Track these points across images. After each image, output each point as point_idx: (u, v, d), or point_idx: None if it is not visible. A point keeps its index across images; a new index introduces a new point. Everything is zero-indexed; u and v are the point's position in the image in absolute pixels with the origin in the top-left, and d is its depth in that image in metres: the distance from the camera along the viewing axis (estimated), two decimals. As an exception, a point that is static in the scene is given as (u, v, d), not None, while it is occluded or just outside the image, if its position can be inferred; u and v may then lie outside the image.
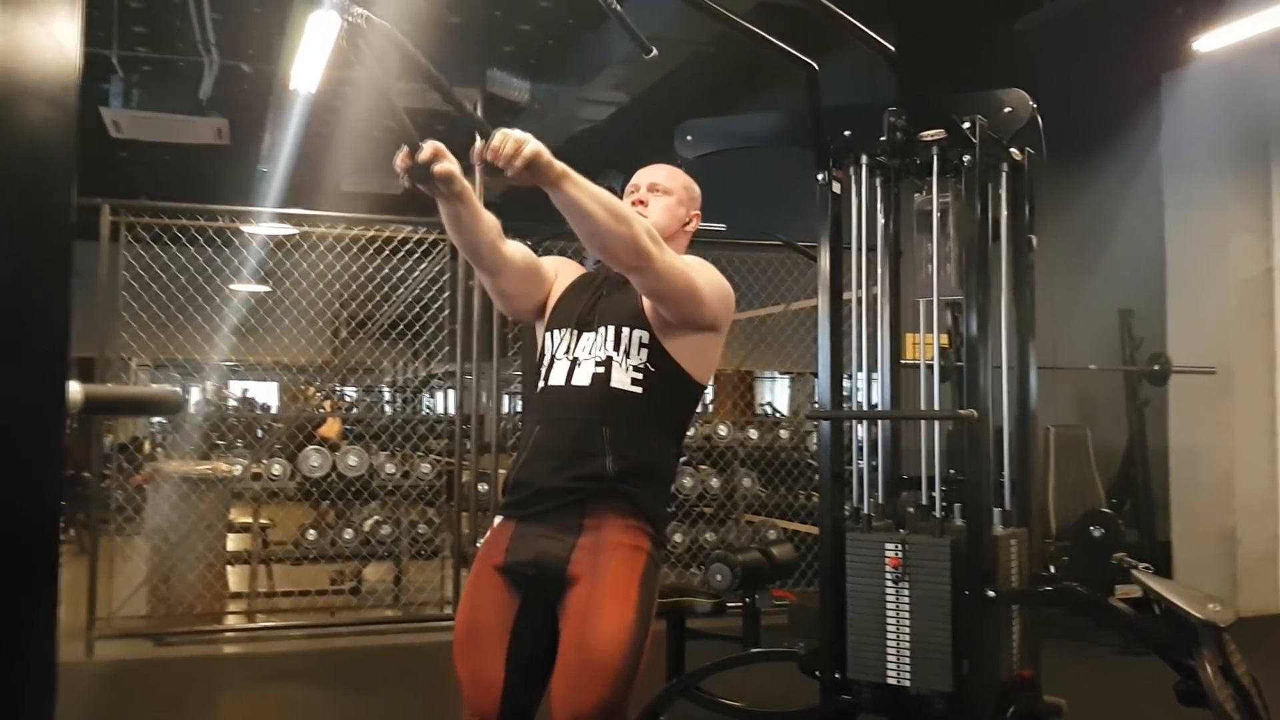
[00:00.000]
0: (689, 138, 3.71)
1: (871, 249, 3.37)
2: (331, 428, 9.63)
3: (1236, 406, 6.31)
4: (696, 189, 2.50)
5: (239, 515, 6.28)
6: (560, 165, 1.97)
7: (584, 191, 2.01)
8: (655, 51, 2.55)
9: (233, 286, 11.08)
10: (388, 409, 13.73)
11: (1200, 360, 6.04)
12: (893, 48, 2.65)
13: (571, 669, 2.05)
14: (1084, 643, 5.12)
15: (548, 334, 2.36)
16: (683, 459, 7.13)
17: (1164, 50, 6.04)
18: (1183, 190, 6.50)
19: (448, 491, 6.06)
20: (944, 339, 3.46)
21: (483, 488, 5.86)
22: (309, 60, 5.24)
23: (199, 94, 7.44)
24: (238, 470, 5.72)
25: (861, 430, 3.48)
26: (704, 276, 2.28)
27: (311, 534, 6.14)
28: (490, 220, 2.21)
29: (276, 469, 5.77)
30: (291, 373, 13.10)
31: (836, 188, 3.27)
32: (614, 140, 8.30)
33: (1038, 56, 6.11)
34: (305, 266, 6.60)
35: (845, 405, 3.59)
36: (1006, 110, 3.21)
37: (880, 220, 3.37)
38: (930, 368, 3.30)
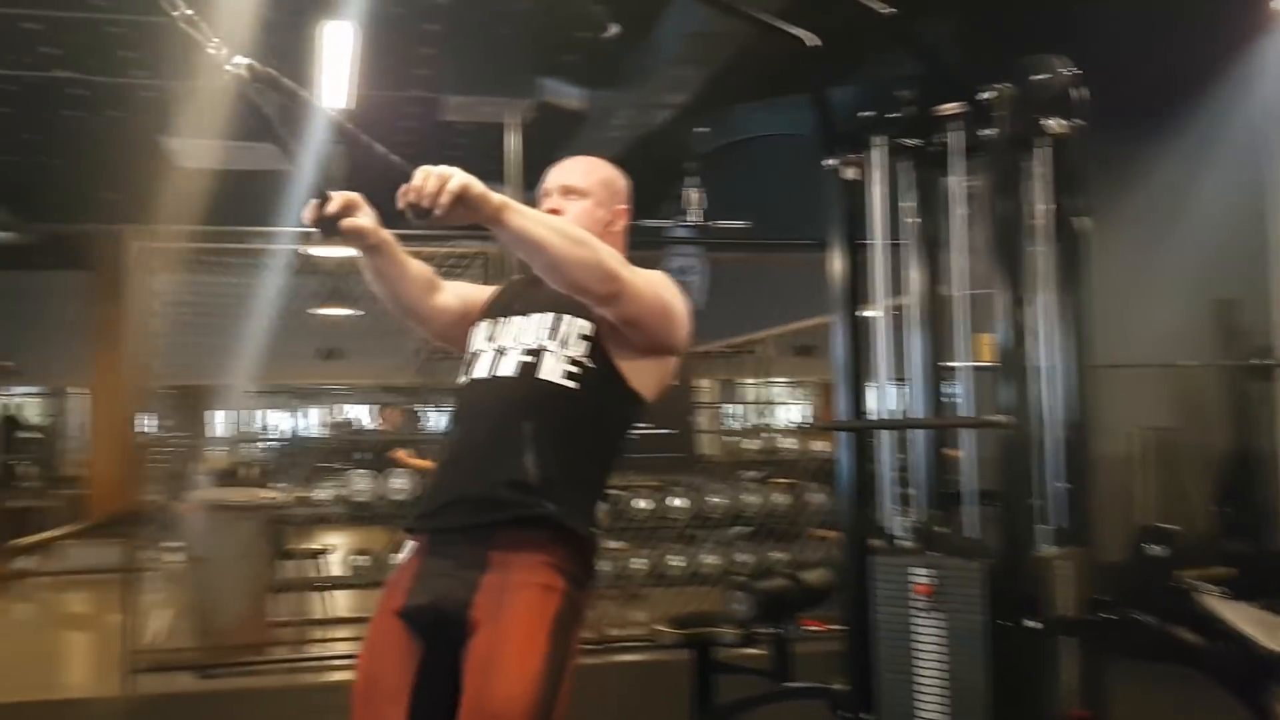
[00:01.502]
0: (699, 131, 3.44)
1: (896, 241, 3.04)
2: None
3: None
4: (620, 180, 2.21)
5: (298, 541, 6.20)
6: (498, 196, 1.76)
7: (531, 220, 1.81)
8: (617, 28, 2.33)
9: (316, 311, 11.20)
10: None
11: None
12: (892, 9, 2.34)
13: None
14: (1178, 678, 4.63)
15: (474, 328, 2.12)
16: (752, 474, 6.86)
17: (1251, 10, 5.51)
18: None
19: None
20: (986, 339, 3.11)
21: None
22: (335, 75, 5.12)
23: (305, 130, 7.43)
24: (284, 496, 5.62)
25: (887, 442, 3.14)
26: (671, 294, 2.03)
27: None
28: (417, 270, 2.11)
29: (323, 494, 5.66)
30: (385, 394, 13.18)
31: (850, 174, 2.96)
32: (683, 143, 8.05)
33: (1097, 19, 5.62)
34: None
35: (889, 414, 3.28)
36: (1039, 78, 2.84)
37: (908, 208, 3.04)
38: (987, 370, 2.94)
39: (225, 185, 8.93)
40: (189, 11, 1.67)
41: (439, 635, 1.86)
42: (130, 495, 6.66)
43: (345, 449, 8.05)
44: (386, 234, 1.98)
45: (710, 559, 6.06)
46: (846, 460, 2.97)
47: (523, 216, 1.80)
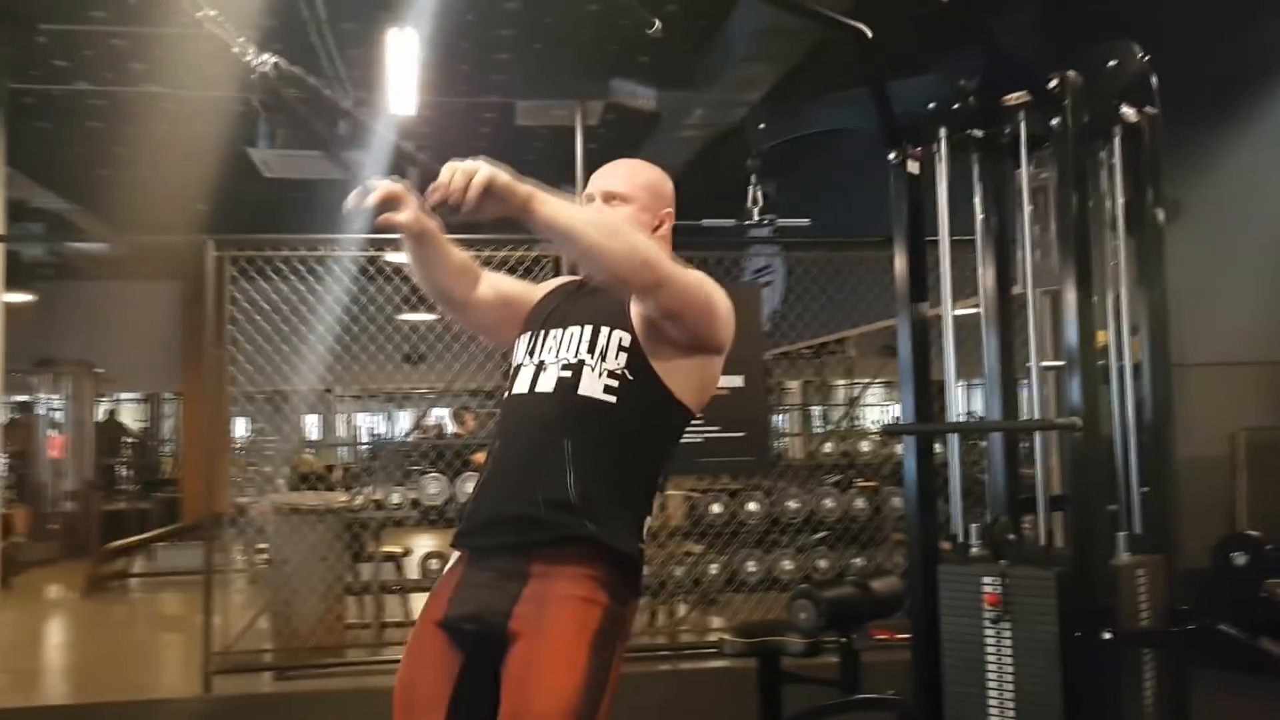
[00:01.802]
0: (761, 127, 3.37)
1: (963, 238, 2.93)
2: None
3: None
4: (664, 184, 2.15)
5: (383, 544, 6.25)
6: (526, 187, 1.75)
7: (562, 211, 1.79)
8: (658, 24, 2.32)
9: (403, 316, 11.34)
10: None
11: None
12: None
13: None
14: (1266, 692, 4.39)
15: (517, 340, 2.08)
16: (838, 480, 6.71)
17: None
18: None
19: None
20: (1102, 335, 2.98)
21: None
22: (399, 82, 5.15)
23: (338, 129, 7.55)
24: (358, 500, 5.67)
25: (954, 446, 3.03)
26: (713, 289, 1.98)
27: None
28: (459, 261, 2.11)
29: (396, 497, 5.70)
30: (462, 397, 13.31)
31: (913, 167, 2.86)
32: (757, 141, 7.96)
33: (1170, 4, 5.38)
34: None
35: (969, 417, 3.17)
36: (1110, 64, 2.72)
37: (977, 203, 2.93)
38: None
39: (309, 194, 9.11)
40: (212, 12, 1.67)
41: (479, 646, 1.83)
42: (219, 498, 6.81)
43: (429, 453, 8.11)
44: (429, 223, 1.99)
45: (787, 564, 5.96)
46: (913, 465, 2.87)
47: (552, 207, 1.77)
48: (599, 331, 1.94)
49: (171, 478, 13.09)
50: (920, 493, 2.86)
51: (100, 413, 13.31)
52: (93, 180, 9.57)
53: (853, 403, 10.44)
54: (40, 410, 11.35)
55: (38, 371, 11.22)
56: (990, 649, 2.65)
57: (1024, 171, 2.71)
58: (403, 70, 5.04)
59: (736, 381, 5.21)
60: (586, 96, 7.00)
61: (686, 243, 5.51)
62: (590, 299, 2.02)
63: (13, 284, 11.14)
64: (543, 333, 2.01)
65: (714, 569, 5.79)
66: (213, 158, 9.20)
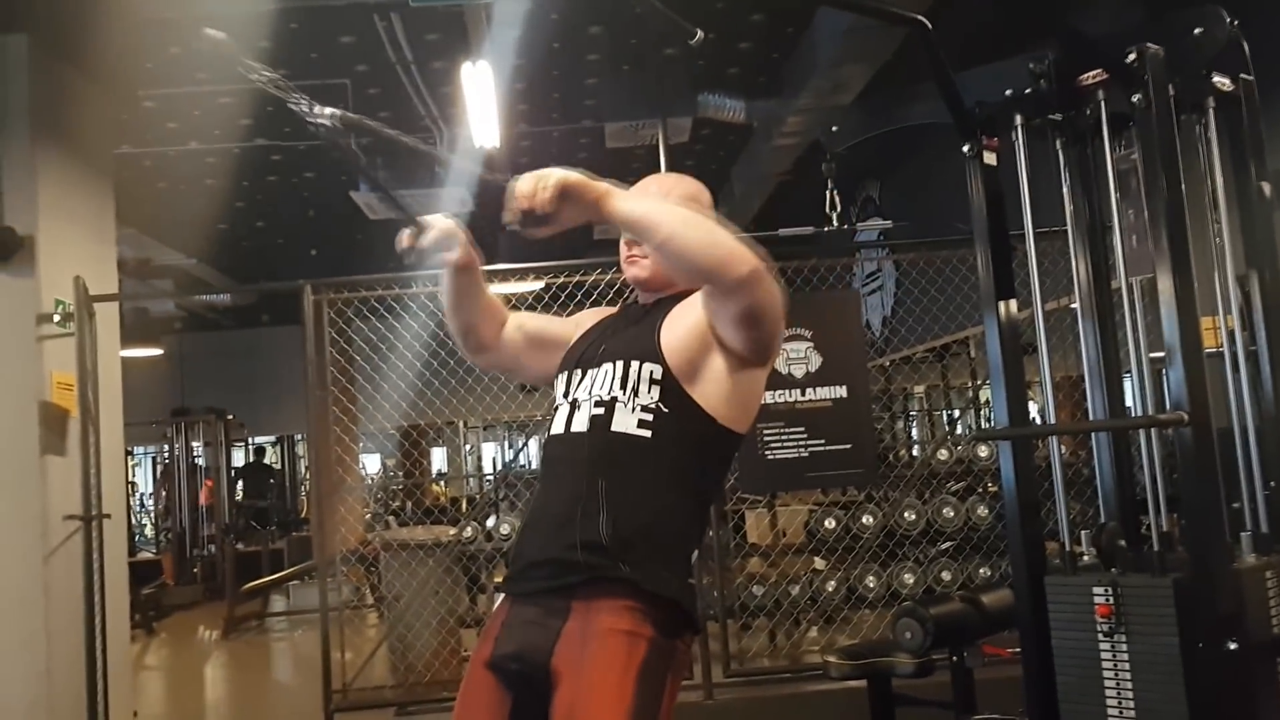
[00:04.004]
0: (834, 129, 3.27)
1: (1051, 230, 2.78)
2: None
3: None
4: (703, 195, 2.09)
5: (496, 575, 6.27)
6: (600, 184, 1.75)
7: (641, 205, 1.79)
8: (700, 35, 2.29)
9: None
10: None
11: None
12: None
13: None
14: None
15: (555, 379, 2.04)
16: (959, 488, 6.46)
17: None
18: None
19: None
20: (1209, 321, 2.79)
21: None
22: (480, 114, 5.18)
23: (434, 167, 7.70)
24: (468, 532, 5.70)
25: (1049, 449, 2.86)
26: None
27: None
28: (491, 303, 2.14)
29: (505, 528, 5.71)
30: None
31: (990, 159, 2.72)
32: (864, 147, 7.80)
33: None
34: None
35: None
36: (1196, 32, 2.53)
37: (1065, 191, 2.78)
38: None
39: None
40: (271, 74, 1.68)
41: (527, 685, 1.78)
42: (335, 537, 6.96)
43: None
44: (475, 259, 2.01)
45: (908, 578, 5.76)
46: (1011, 471, 2.71)
47: (629, 201, 1.77)
48: (629, 366, 1.88)
49: (306, 517, 13.48)
50: (1021, 500, 2.70)
51: (241, 457, 13.81)
52: (212, 234, 9.94)
53: (977, 405, 10.10)
54: (179, 458, 11.81)
55: (174, 421, 11.68)
56: (1107, 664, 2.47)
57: (1108, 153, 2.54)
58: (482, 103, 5.07)
59: (840, 391, 5.07)
60: (674, 114, 6.96)
61: (790, 253, 5.45)
62: (623, 334, 1.98)
63: (144, 339, 11.69)
64: (579, 371, 1.97)
65: (831, 585, 5.63)
66: (320, 204, 9.49)
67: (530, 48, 5.96)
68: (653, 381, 1.85)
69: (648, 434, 1.82)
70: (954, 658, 3.09)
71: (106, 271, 4.92)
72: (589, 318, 2.18)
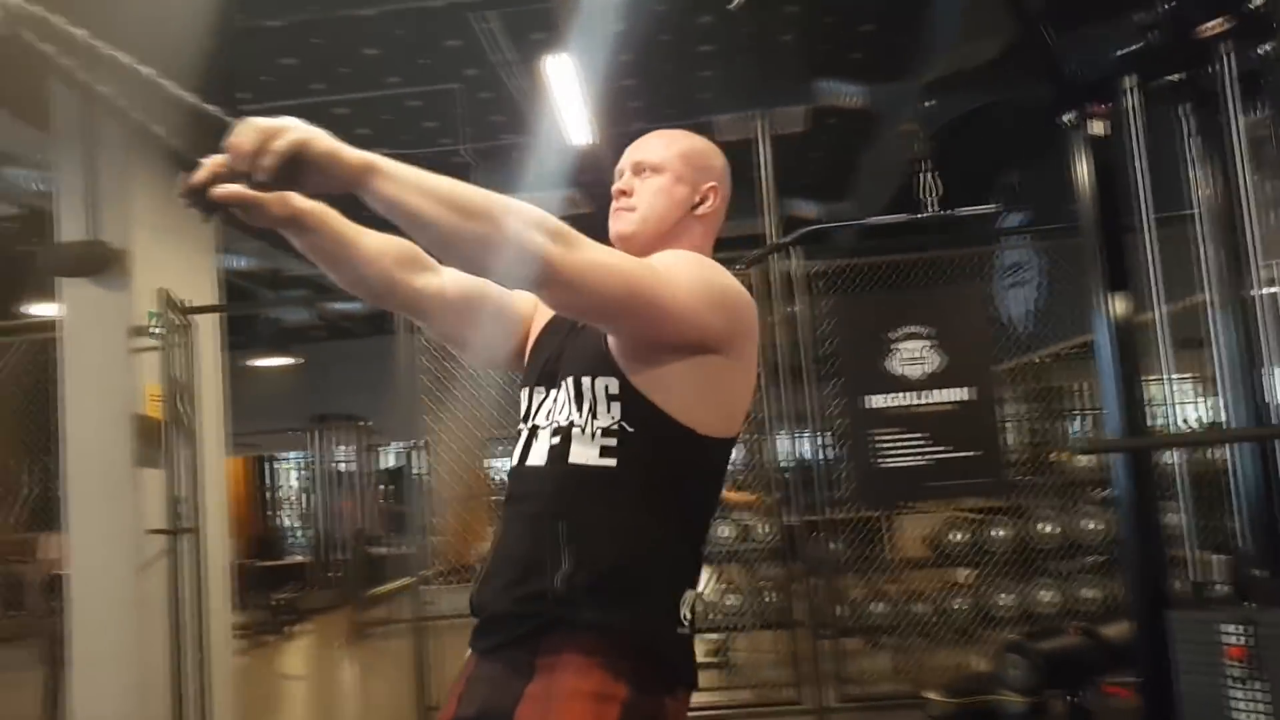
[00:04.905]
0: (929, 104, 2.95)
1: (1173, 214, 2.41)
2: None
3: None
4: (710, 156, 1.73)
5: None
6: (362, 156, 1.30)
7: (408, 187, 1.31)
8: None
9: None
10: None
11: None
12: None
13: None
14: None
15: (521, 394, 1.71)
16: (1102, 496, 5.93)
17: None
18: None
19: (790, 552, 5.40)
20: None
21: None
22: (569, 110, 5.00)
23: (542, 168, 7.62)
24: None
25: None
26: (680, 274, 1.52)
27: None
28: (379, 246, 1.62)
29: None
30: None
31: (1097, 128, 2.37)
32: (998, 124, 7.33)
33: None
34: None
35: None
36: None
37: (1191, 166, 2.41)
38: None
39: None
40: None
41: None
42: (468, 544, 6.88)
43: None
44: (307, 203, 1.53)
45: (1045, 595, 5.32)
46: (1128, 487, 2.37)
47: (394, 182, 1.30)
48: (581, 384, 1.56)
49: (431, 523, 13.61)
50: (1139, 521, 2.35)
51: (382, 462, 14.04)
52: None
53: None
54: (317, 464, 12.06)
55: (311, 428, 11.93)
56: (1240, 713, 2.11)
57: (1236, 117, 2.17)
58: (569, 99, 4.89)
59: (963, 394, 4.71)
60: (790, 103, 6.68)
61: (920, 242, 5.07)
62: (578, 340, 1.63)
63: (277, 348, 11.97)
64: (540, 389, 1.65)
65: (957, 603, 5.24)
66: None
67: (644, 41, 5.79)
68: (610, 397, 1.54)
69: (612, 462, 1.52)
70: (1069, 698, 2.74)
71: (204, 283, 4.93)
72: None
